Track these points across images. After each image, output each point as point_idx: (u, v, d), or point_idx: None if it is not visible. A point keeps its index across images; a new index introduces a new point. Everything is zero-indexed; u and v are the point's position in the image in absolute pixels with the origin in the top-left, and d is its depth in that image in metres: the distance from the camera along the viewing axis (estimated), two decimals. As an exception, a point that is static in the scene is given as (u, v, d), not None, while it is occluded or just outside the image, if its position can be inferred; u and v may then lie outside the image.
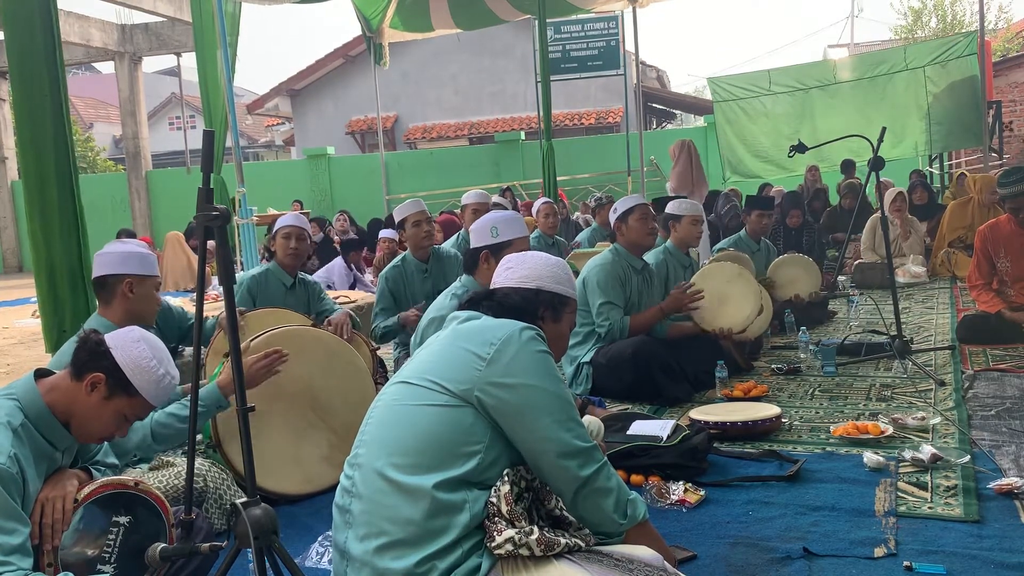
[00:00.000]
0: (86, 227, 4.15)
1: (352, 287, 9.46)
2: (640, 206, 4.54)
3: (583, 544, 1.85)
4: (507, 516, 1.79)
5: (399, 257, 4.87)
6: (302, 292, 4.46)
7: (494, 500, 1.81)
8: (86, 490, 1.95)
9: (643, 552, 1.86)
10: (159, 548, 1.95)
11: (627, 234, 4.55)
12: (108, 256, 2.95)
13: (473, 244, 3.39)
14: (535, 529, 1.79)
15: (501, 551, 1.76)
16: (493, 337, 1.93)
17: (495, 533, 1.77)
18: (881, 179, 5.42)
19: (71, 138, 4.13)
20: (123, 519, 1.94)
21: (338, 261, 9.44)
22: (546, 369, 1.93)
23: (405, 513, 1.78)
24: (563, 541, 1.80)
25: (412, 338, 3.63)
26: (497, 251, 3.24)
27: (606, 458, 1.97)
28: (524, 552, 1.76)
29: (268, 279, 4.37)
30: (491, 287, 2.17)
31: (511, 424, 1.87)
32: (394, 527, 1.78)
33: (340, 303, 5.71)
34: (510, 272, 2.15)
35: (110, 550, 1.93)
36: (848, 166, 10.95)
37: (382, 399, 1.99)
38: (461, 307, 2.13)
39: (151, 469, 2.82)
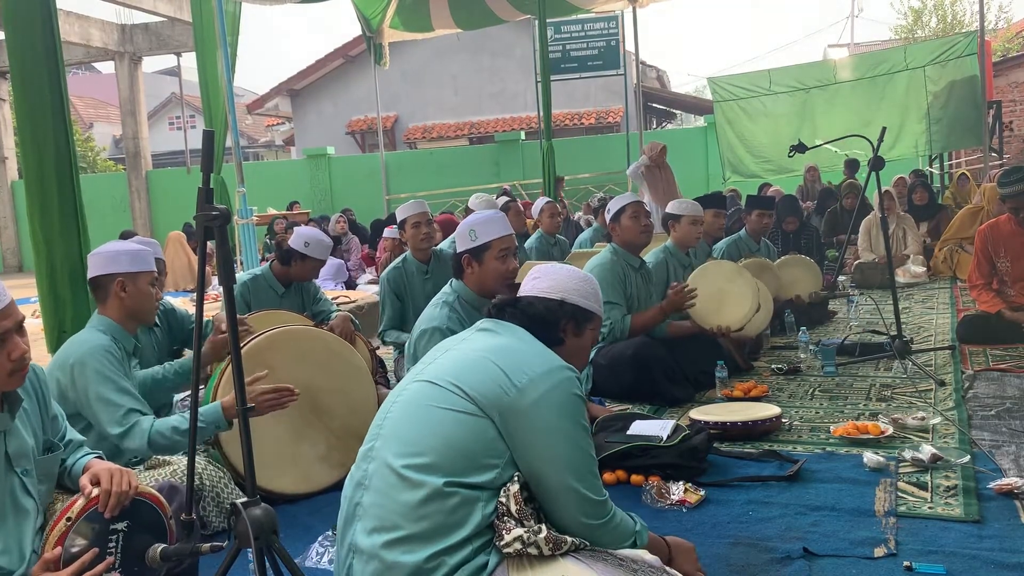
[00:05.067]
0: (87, 227, 4.15)
1: (352, 286, 9.48)
2: (631, 204, 4.53)
3: (589, 543, 1.86)
4: (516, 515, 1.80)
5: (400, 258, 4.87)
6: (296, 293, 4.46)
7: (503, 499, 1.82)
8: (77, 506, 1.90)
9: (647, 555, 1.89)
10: (159, 549, 1.95)
11: (622, 234, 4.54)
12: (99, 256, 2.96)
13: (458, 248, 3.33)
14: (543, 528, 1.81)
15: (509, 549, 1.77)
16: (530, 368, 1.90)
17: (504, 532, 1.79)
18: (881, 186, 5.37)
19: (72, 138, 4.13)
20: (120, 525, 1.93)
21: (331, 262, 9.48)
22: (575, 415, 1.90)
23: (418, 509, 1.78)
24: (570, 540, 1.82)
25: (405, 350, 3.57)
26: (478, 254, 3.18)
27: (616, 509, 1.96)
28: (532, 551, 1.77)
29: (258, 285, 4.36)
30: (517, 295, 2.15)
31: (523, 455, 1.87)
32: (406, 522, 1.78)
33: (340, 303, 5.72)
34: (536, 282, 2.14)
35: (113, 557, 1.92)
36: (850, 166, 10.94)
37: (403, 395, 1.97)
38: (488, 315, 2.11)
39: (148, 468, 2.82)
